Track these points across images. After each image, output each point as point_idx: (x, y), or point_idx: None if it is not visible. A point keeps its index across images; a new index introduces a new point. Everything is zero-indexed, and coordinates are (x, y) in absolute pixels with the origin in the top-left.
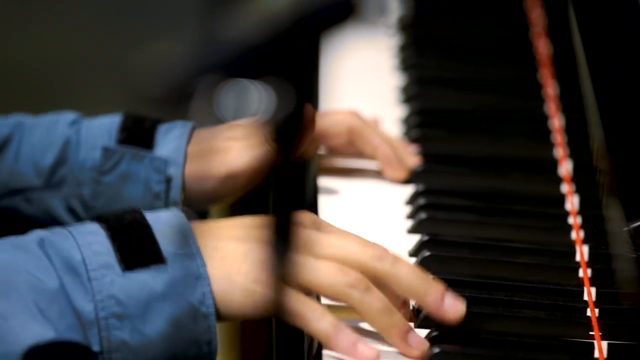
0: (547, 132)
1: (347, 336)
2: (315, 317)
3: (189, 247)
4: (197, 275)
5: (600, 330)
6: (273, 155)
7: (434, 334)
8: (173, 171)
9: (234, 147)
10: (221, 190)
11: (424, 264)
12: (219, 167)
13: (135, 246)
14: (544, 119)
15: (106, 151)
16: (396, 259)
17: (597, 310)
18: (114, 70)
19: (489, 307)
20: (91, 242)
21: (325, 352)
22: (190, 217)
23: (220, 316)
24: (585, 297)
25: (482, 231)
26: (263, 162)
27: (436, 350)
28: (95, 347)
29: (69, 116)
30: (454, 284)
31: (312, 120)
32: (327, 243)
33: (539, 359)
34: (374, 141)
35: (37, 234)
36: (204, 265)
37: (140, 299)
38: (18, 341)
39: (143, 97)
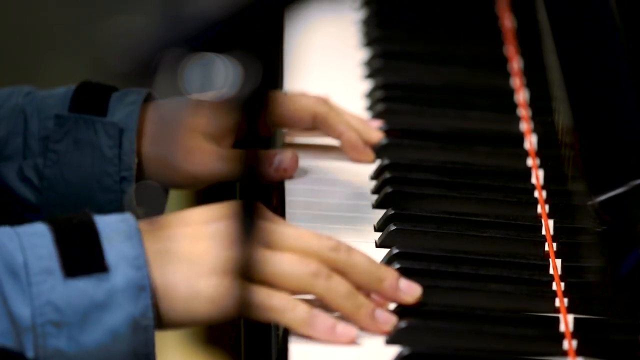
0: (512, 106)
1: (324, 320)
2: (290, 307)
3: (136, 256)
4: (141, 286)
5: (566, 304)
6: (240, 169)
7: (400, 309)
8: (126, 136)
9: (204, 150)
10: (182, 183)
11: (390, 237)
12: (184, 166)
13: (79, 252)
14: (510, 93)
15: (59, 119)
16: (350, 249)
17: (562, 284)
18: (78, 45)
19: (455, 281)
20: (35, 244)
21: (291, 344)
22: (152, 192)
23: (184, 323)
24: (551, 271)
25: (448, 205)
26: (231, 175)
27: (403, 325)
28: (30, 354)
29: (24, 88)
30: (420, 258)
31: (275, 103)
32: (282, 235)
33: (505, 333)
34: (339, 128)
35: None
36: (148, 277)
37: (79, 307)
38: None
39: (108, 71)
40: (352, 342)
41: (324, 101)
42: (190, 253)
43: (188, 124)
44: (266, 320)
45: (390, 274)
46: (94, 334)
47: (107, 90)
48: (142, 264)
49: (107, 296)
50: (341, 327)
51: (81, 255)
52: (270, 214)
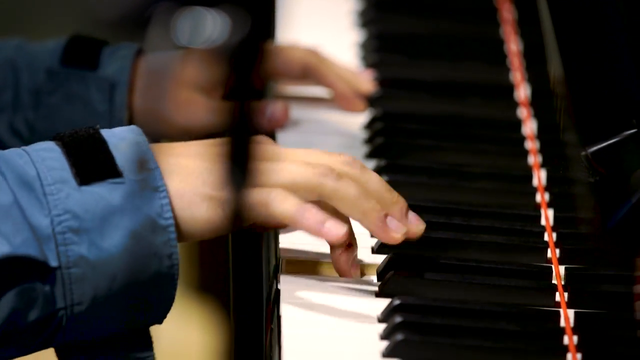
0: (503, 57)
1: (314, 214)
2: (280, 199)
3: (146, 161)
4: (155, 187)
5: (558, 254)
6: (231, 121)
7: (390, 258)
8: (117, 91)
9: (195, 102)
10: (173, 135)
11: None
12: (175, 118)
13: (90, 160)
14: (501, 43)
15: (49, 73)
16: (364, 166)
17: (554, 235)
18: None
19: (447, 232)
20: (45, 157)
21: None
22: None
23: (182, 235)
24: (543, 222)
25: (440, 156)
26: (221, 127)
27: (393, 275)
28: (53, 263)
29: (13, 41)
30: (411, 209)
31: (266, 55)
32: (291, 152)
33: (497, 284)
34: (330, 78)
35: None
36: (161, 177)
37: (97, 213)
38: None
39: (99, 21)
40: (340, 240)
41: (314, 52)
42: (196, 166)
43: (178, 76)
44: (259, 218)
45: (402, 200)
46: (114, 238)
47: (98, 44)
48: (153, 166)
49: (123, 199)
50: (331, 223)
51: (92, 163)
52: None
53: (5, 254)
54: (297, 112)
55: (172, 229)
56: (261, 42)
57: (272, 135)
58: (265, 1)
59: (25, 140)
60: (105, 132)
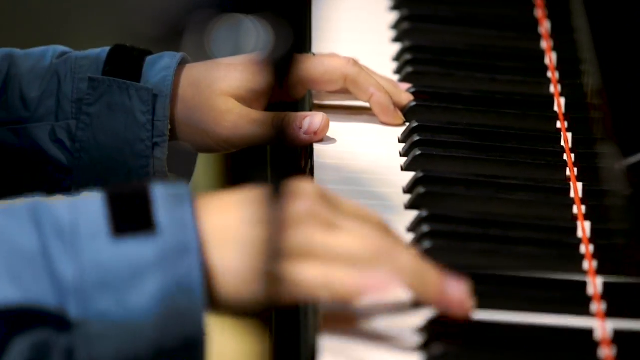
0: (542, 69)
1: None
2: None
3: (185, 218)
4: (188, 248)
5: (595, 266)
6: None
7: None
8: (159, 101)
9: (236, 114)
10: (214, 146)
11: (419, 200)
12: (216, 129)
13: (129, 213)
14: (539, 55)
15: (92, 82)
16: (400, 252)
17: (591, 247)
18: (107, 7)
19: (484, 244)
20: (87, 209)
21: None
22: (183, 154)
23: (222, 305)
24: (580, 234)
25: (477, 168)
26: (262, 138)
27: None
28: (73, 315)
29: (57, 48)
30: (448, 220)
31: (305, 65)
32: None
33: (533, 296)
34: (370, 90)
35: (34, 199)
36: (195, 238)
37: (126, 269)
38: None
39: (137, 34)
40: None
41: (354, 62)
42: (241, 234)
43: (220, 87)
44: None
45: (437, 273)
46: (141, 297)
47: (141, 53)
48: (188, 225)
49: (154, 257)
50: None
51: (130, 216)
52: (329, 196)
53: (15, 301)
54: (334, 122)
55: (203, 292)
56: (299, 52)
57: (310, 146)
58: (302, 10)
59: (67, 148)
60: (153, 187)
